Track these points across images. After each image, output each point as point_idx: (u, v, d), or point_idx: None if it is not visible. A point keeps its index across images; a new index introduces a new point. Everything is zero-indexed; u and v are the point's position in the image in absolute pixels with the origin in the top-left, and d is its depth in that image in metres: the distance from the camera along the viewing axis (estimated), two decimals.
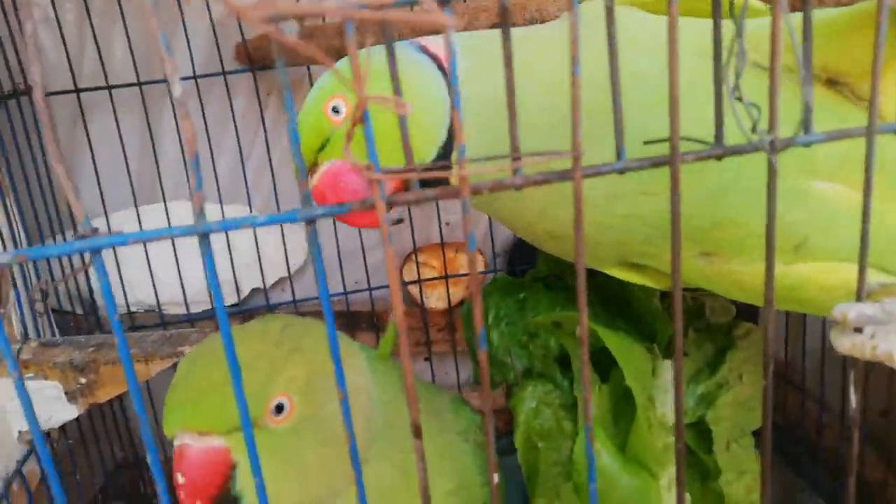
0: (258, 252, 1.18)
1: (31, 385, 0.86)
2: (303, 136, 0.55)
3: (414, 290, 1.23)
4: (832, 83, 0.46)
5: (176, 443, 0.47)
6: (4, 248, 0.89)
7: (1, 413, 0.87)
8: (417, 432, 0.33)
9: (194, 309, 1.20)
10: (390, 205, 0.30)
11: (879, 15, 0.31)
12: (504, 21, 0.30)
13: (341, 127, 0.54)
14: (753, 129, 0.32)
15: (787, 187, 0.43)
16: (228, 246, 1.16)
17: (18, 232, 0.92)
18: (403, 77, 0.52)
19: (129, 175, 1.08)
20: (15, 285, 0.90)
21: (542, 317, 0.48)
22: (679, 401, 0.36)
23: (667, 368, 0.51)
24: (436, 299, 1.26)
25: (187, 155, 0.29)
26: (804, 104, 0.33)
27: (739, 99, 0.31)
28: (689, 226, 0.43)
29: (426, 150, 0.52)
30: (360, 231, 1.19)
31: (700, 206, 0.43)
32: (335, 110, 0.54)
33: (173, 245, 1.12)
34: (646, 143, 0.34)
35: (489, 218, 1.23)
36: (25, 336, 0.91)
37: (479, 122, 0.49)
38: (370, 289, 1.22)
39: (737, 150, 0.32)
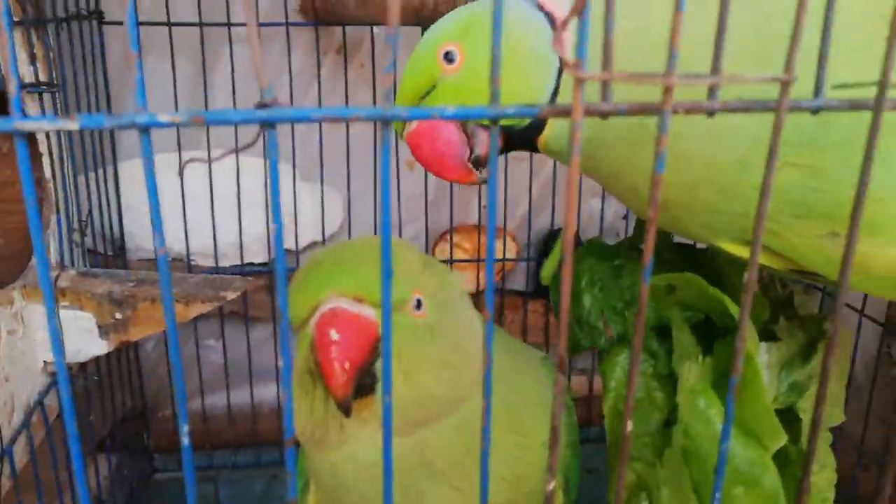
0: (295, 212, 1.16)
1: (65, 315, 0.84)
2: (410, 79, 0.54)
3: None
4: None
5: (328, 305, 0.44)
6: (53, 174, 0.86)
7: (29, 341, 0.84)
8: (563, 364, 0.31)
9: (223, 262, 1.18)
10: (588, 112, 0.28)
11: None
12: None
13: (451, 75, 0.52)
14: None
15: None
16: (266, 201, 1.14)
17: (66, 158, 0.89)
18: (516, 29, 0.51)
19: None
20: (57, 210, 0.87)
21: (657, 278, 0.46)
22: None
23: (762, 352, 0.50)
24: (466, 282, 1.24)
25: (389, 29, 0.27)
26: None
27: None
28: (826, 201, 0.42)
29: (538, 91, 0.50)
30: (398, 201, 1.18)
31: (841, 182, 0.41)
32: (448, 57, 0.53)
33: (211, 193, 1.10)
34: (835, 86, 0.32)
35: (529, 204, 1.21)
36: (62, 265, 0.88)
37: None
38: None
39: None
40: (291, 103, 1.09)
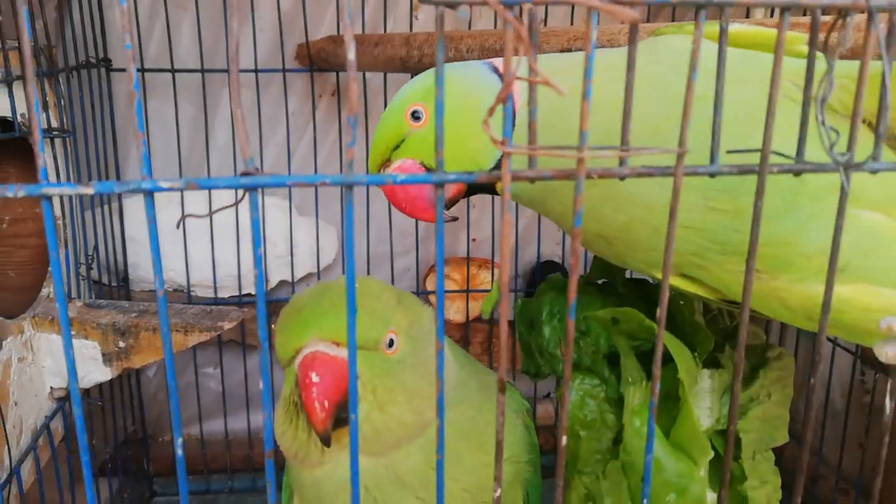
0: (291, 245, 1.22)
1: (72, 343, 0.89)
2: (382, 133, 0.60)
3: (433, 300, 1.27)
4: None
5: (309, 349, 0.51)
6: (63, 211, 0.92)
7: (38, 368, 0.90)
8: (502, 387, 0.36)
9: (221, 294, 1.23)
10: (515, 178, 0.34)
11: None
12: (631, 40, 0.34)
13: (418, 131, 0.58)
14: (830, 150, 0.36)
15: (835, 212, 0.47)
16: (264, 236, 1.20)
17: (74, 196, 0.95)
18: (475, 91, 0.57)
19: (179, 157, 1.12)
20: (66, 245, 0.93)
21: (602, 311, 0.52)
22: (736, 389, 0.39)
23: (704, 377, 0.55)
24: (454, 312, 1.30)
25: (349, 113, 0.33)
26: (876, 137, 0.37)
27: (823, 123, 0.36)
28: (745, 241, 0.47)
29: (485, 161, 0.55)
30: (391, 236, 1.24)
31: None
32: (415, 116, 0.58)
33: (211, 227, 1.16)
34: (729, 151, 0.38)
35: (516, 237, 1.27)
36: (69, 296, 0.94)
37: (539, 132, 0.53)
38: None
39: (816, 168, 0.36)
40: (288, 145, 1.16)
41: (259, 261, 0.34)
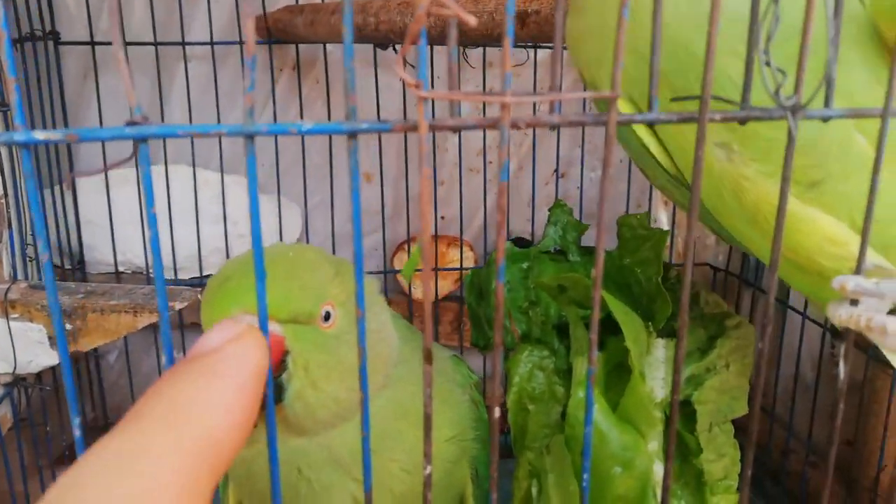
0: (252, 218, 1.18)
1: (16, 326, 0.86)
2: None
3: (401, 279, 1.24)
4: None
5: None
6: (5, 189, 0.89)
7: None
8: (428, 357, 0.34)
9: (182, 275, 1.20)
10: (433, 127, 0.31)
11: None
12: None
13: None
14: (777, 94, 0.33)
15: (834, 127, 0.43)
16: (224, 214, 1.16)
17: (17, 176, 0.91)
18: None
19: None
20: (9, 225, 0.89)
21: (548, 278, 0.49)
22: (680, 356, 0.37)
23: (659, 347, 0.53)
24: (423, 291, 1.27)
25: (246, 56, 0.30)
26: (826, 79, 0.35)
27: (768, 63, 0.33)
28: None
29: None
30: (360, 210, 1.20)
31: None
32: (326, 316, 0.51)
33: (169, 206, 1.12)
34: (673, 99, 0.35)
35: (484, 215, 1.25)
36: (14, 278, 0.90)
37: None
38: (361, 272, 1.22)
39: (762, 114, 0.34)
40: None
41: (152, 220, 0.31)
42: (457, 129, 0.32)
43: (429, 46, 0.90)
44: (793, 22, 0.34)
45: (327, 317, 0.50)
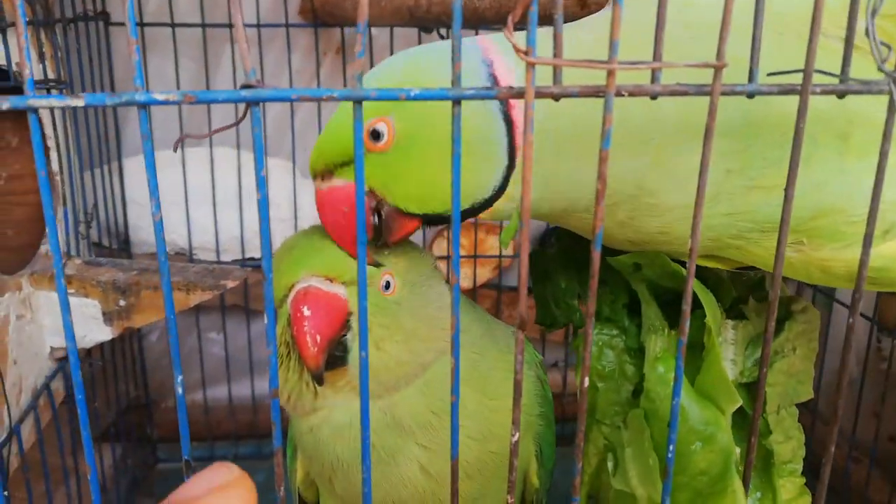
0: (295, 208, 1.19)
1: (72, 301, 0.87)
2: (330, 142, 0.49)
3: (441, 265, 1.24)
4: None
5: (302, 284, 0.49)
6: (60, 168, 0.90)
7: (37, 327, 0.88)
8: (523, 324, 0.34)
9: (224, 257, 1.21)
10: (539, 94, 0.31)
11: None
12: None
13: (376, 153, 0.48)
14: (880, 69, 0.33)
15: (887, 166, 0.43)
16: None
17: (73, 153, 0.93)
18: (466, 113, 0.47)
19: (181, 116, 1.10)
20: (64, 202, 0.91)
21: (624, 256, 0.49)
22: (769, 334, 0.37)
23: (728, 328, 0.53)
24: (461, 278, 1.27)
25: (360, 20, 0.30)
26: None
27: (873, 37, 0.33)
28: (792, 216, 0.44)
29: (479, 191, 0.48)
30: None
31: (803, 197, 0.43)
32: (375, 134, 0.47)
33: (213, 188, 1.13)
34: (770, 74, 0.35)
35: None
36: (68, 255, 0.92)
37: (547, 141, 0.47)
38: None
39: (862, 88, 0.34)
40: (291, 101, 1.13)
41: (262, 183, 0.32)
42: (561, 96, 0.32)
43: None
44: None
45: (388, 286, 0.52)
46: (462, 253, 1.27)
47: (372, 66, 1.12)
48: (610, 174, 0.34)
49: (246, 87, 0.31)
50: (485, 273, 1.30)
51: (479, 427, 0.53)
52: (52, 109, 0.86)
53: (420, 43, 1.10)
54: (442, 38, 1.05)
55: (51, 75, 0.86)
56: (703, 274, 0.54)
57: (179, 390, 0.35)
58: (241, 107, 0.32)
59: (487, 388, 0.54)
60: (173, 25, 1.06)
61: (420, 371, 0.51)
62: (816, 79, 0.34)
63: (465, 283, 1.28)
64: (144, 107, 0.30)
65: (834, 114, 0.45)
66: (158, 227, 0.32)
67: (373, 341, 0.50)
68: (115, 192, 1.11)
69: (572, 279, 0.57)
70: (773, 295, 0.37)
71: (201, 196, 1.15)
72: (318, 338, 0.47)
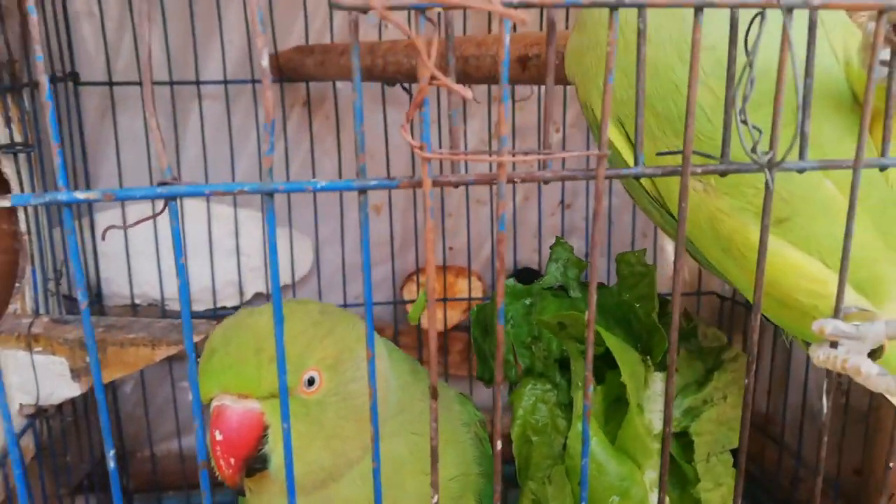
0: (265, 257, 1.21)
1: (39, 359, 0.89)
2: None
3: (409, 309, 1.26)
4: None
5: (215, 403, 0.51)
6: (28, 227, 0.92)
7: (6, 385, 0.89)
8: (434, 393, 0.36)
9: (196, 307, 1.23)
10: (436, 183, 0.34)
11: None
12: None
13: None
14: (754, 150, 0.36)
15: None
16: (237, 248, 1.19)
17: (41, 212, 0.95)
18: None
19: (150, 170, 1.12)
20: (32, 262, 0.93)
21: (548, 316, 0.52)
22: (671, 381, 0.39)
23: (657, 380, 0.55)
24: (434, 319, 1.29)
25: (265, 121, 0.33)
26: (801, 133, 0.37)
27: (745, 122, 0.36)
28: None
29: None
30: (369, 259, 1.23)
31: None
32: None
33: (183, 241, 1.15)
34: (658, 154, 0.38)
35: (492, 245, 1.27)
36: (37, 313, 0.93)
37: None
38: (370, 304, 1.25)
39: (740, 168, 0.37)
40: (259, 154, 1.16)
41: (181, 270, 0.34)
42: (458, 185, 0.35)
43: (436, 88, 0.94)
44: (768, 85, 0.36)
45: (311, 382, 0.52)
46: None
47: (337, 118, 1.16)
48: None
49: (162, 184, 0.33)
50: (455, 315, 1.32)
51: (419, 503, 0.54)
52: (17, 170, 0.89)
53: (384, 95, 1.13)
54: (405, 89, 1.09)
55: (18, 139, 0.88)
56: (632, 326, 0.56)
57: (112, 464, 0.37)
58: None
59: (428, 465, 0.55)
60: (141, 84, 1.09)
61: (348, 467, 0.52)
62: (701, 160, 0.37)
63: (437, 325, 1.30)
64: (68, 206, 0.33)
65: None
66: (85, 314, 0.34)
67: (293, 452, 0.50)
68: (87, 247, 1.13)
69: (509, 335, 0.60)
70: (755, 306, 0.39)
71: (172, 248, 1.17)
72: (233, 460, 0.49)
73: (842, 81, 0.44)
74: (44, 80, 0.31)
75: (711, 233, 0.48)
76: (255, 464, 0.50)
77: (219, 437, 0.49)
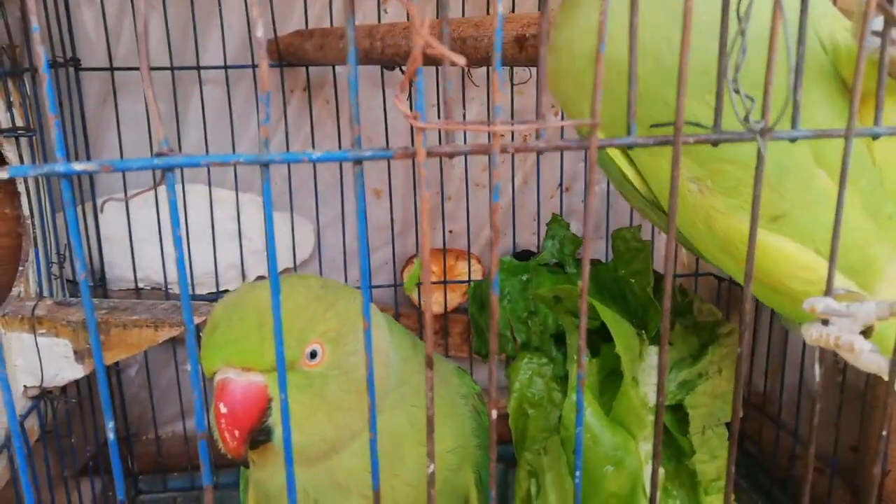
0: (266, 240, 1.22)
1: (43, 342, 0.89)
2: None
3: (412, 294, 1.27)
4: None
5: (218, 377, 0.51)
6: (31, 211, 0.93)
7: (10, 367, 0.90)
8: (430, 363, 0.37)
9: (199, 290, 1.24)
10: (430, 154, 0.34)
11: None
12: None
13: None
14: (746, 119, 0.36)
15: (797, 162, 0.46)
16: (239, 232, 1.20)
17: (44, 196, 0.96)
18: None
19: (152, 154, 1.13)
20: (35, 244, 0.93)
21: (544, 290, 0.52)
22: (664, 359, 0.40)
23: (652, 354, 0.55)
24: (432, 303, 1.30)
25: (261, 91, 0.33)
26: (793, 102, 0.38)
27: (737, 91, 0.36)
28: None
29: None
30: (366, 231, 1.23)
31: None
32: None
33: (186, 224, 1.16)
34: (652, 126, 0.38)
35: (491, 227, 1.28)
36: (40, 296, 0.94)
37: None
38: (370, 286, 1.26)
39: (733, 137, 0.37)
40: (260, 139, 1.16)
41: (178, 242, 0.35)
42: (452, 155, 0.35)
43: (435, 68, 0.95)
44: (759, 52, 0.37)
45: (314, 354, 0.52)
46: (433, 279, 1.30)
47: (338, 103, 1.17)
48: None
49: (159, 154, 0.34)
50: (455, 298, 1.32)
51: (418, 475, 0.55)
52: (19, 154, 0.90)
53: (383, 79, 1.13)
54: (403, 72, 1.09)
55: (19, 123, 0.89)
56: (628, 301, 0.57)
57: (111, 436, 0.38)
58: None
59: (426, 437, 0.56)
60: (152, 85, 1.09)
61: (351, 439, 0.53)
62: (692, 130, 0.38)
63: (437, 307, 1.31)
64: (66, 177, 0.33)
65: None
66: (84, 285, 0.35)
67: (295, 423, 0.50)
68: (91, 231, 1.14)
69: (505, 310, 0.60)
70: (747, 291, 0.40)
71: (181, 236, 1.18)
72: (237, 432, 0.50)
73: (830, 68, 0.44)
74: (40, 51, 0.32)
75: (707, 231, 0.48)
76: (259, 436, 0.51)
77: (223, 409, 0.50)
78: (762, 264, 0.47)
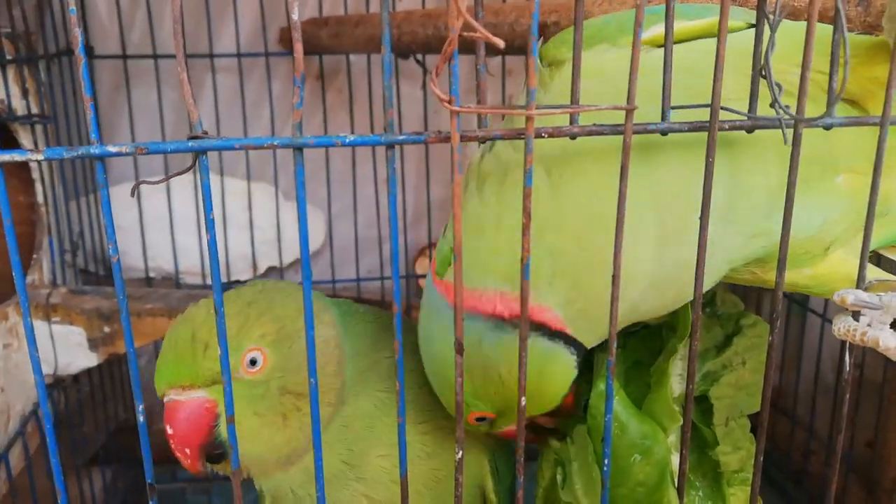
0: (278, 231, 1.22)
1: (57, 330, 0.90)
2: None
3: (422, 283, 1.27)
4: (851, 103, 0.50)
5: (165, 399, 0.51)
6: (45, 199, 0.93)
7: (24, 354, 0.90)
8: (459, 348, 0.36)
9: (210, 281, 1.24)
10: (464, 138, 0.34)
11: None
12: None
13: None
14: (773, 105, 0.36)
15: (821, 188, 0.45)
16: (251, 222, 1.20)
17: (55, 186, 0.95)
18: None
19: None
20: (49, 232, 0.93)
21: None
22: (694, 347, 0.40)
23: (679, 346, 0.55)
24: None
25: (296, 74, 0.33)
26: (830, 92, 0.37)
27: (765, 76, 0.36)
28: (773, 253, 0.45)
29: None
30: (378, 220, 1.23)
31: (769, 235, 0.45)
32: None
33: (197, 216, 1.16)
34: (674, 108, 0.37)
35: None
36: (54, 284, 0.94)
37: None
38: (382, 278, 1.26)
39: (768, 123, 0.37)
40: (272, 126, 1.16)
41: (211, 225, 0.34)
42: (484, 140, 0.35)
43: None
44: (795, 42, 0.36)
45: (254, 362, 0.52)
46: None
47: (350, 92, 1.16)
48: None
49: (193, 137, 0.33)
50: None
51: (376, 483, 0.55)
52: (34, 140, 0.89)
53: (396, 68, 1.13)
54: (418, 62, 1.09)
55: (34, 110, 0.89)
56: None
57: (141, 419, 0.37)
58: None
59: (411, 414, 0.55)
60: (155, 57, 1.09)
61: (304, 451, 0.53)
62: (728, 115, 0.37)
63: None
64: (100, 159, 0.33)
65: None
66: (116, 267, 0.35)
67: (248, 434, 0.50)
68: (101, 220, 1.14)
69: None
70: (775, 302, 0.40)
71: (187, 221, 1.18)
72: (188, 450, 0.50)
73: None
74: (77, 34, 0.32)
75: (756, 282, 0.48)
76: (214, 450, 0.51)
77: (170, 430, 0.50)
78: (826, 287, 0.46)
